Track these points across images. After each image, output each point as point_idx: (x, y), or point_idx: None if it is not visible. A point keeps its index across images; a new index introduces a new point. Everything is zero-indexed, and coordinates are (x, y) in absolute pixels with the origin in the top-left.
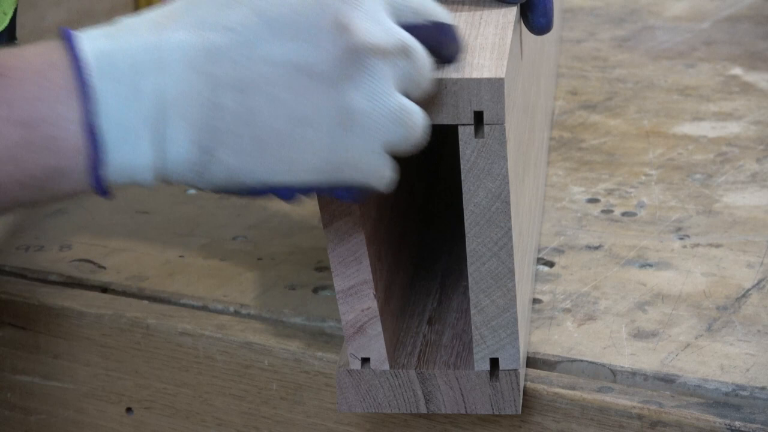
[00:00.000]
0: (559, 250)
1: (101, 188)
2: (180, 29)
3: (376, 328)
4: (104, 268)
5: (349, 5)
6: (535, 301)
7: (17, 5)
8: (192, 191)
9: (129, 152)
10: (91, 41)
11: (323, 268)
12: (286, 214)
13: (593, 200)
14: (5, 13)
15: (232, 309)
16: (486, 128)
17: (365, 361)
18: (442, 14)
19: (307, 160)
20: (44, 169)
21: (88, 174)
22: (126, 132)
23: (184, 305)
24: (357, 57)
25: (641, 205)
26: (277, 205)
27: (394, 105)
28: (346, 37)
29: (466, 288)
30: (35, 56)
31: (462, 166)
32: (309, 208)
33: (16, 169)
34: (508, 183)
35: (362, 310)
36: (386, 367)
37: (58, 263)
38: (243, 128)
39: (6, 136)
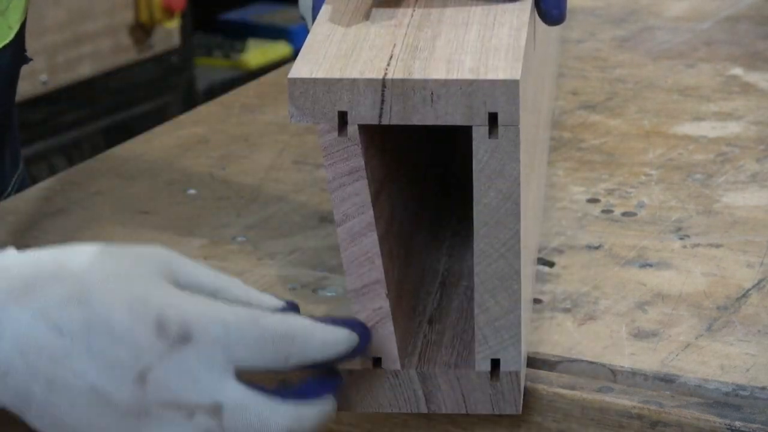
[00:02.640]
0: (559, 250)
1: None
2: (25, 311)
3: (388, 328)
4: None
5: (161, 358)
6: (535, 301)
7: (25, 19)
8: (192, 191)
9: None
10: None
11: (323, 268)
12: (286, 214)
13: (593, 200)
14: (11, 28)
15: None
16: (500, 129)
17: (377, 360)
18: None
19: None
20: None
21: None
22: None
23: None
24: (149, 408)
25: (641, 205)
26: (278, 204)
27: None
28: (144, 389)
29: (467, 288)
30: None
31: (474, 166)
32: (309, 207)
33: None
34: (519, 184)
35: (374, 310)
36: (397, 366)
37: None
38: (46, 415)
39: None
